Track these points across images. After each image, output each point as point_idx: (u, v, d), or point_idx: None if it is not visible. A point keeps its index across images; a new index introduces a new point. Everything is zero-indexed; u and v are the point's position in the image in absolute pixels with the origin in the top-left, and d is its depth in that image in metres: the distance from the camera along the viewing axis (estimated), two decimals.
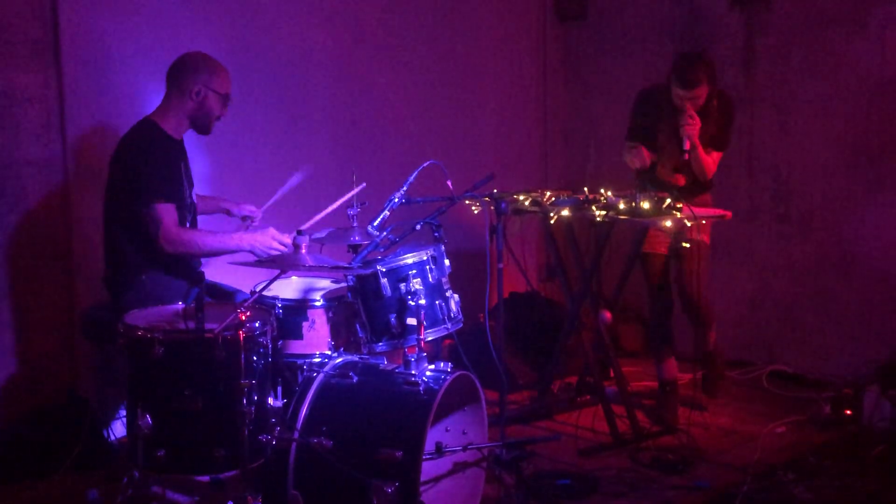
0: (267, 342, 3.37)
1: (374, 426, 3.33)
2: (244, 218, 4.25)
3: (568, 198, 4.52)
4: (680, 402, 4.82)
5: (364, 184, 4.00)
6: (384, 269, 3.59)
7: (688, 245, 4.63)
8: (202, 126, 3.97)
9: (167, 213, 3.75)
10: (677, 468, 4.12)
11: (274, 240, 3.81)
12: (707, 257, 4.87)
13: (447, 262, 3.75)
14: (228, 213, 4.29)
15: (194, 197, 4.07)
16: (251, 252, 3.79)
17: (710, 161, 4.69)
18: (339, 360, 3.58)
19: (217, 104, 3.92)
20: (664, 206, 4.27)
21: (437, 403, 3.29)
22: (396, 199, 3.81)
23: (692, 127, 4.53)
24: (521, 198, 4.58)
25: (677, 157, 4.65)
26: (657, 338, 4.90)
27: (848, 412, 4.62)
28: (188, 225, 3.96)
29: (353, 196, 3.97)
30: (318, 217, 3.99)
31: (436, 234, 3.80)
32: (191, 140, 4.08)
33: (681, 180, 4.76)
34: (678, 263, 4.83)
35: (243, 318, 3.16)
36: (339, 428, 3.32)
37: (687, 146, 4.55)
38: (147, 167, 3.77)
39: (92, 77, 4.34)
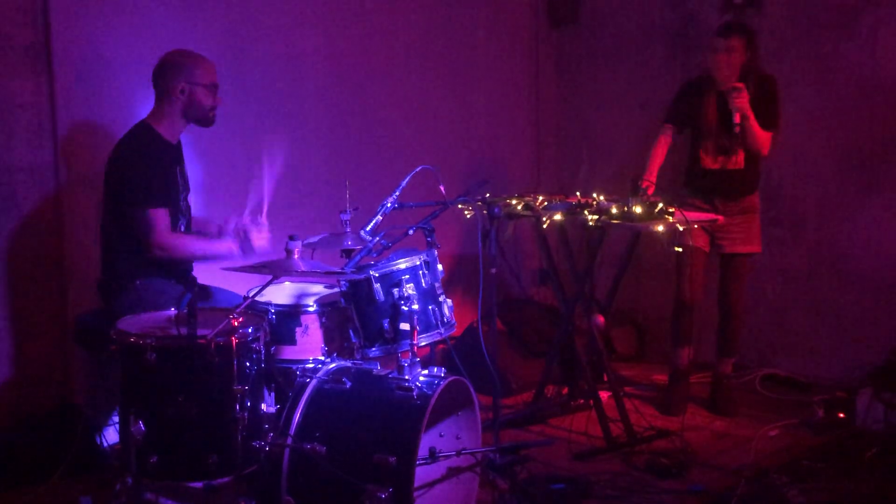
0: (260, 348, 3.36)
1: (367, 432, 3.32)
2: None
3: (560, 202, 4.54)
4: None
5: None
6: (377, 275, 3.58)
7: (680, 249, 4.65)
8: (201, 119, 3.97)
9: (160, 218, 3.76)
10: (671, 472, 4.12)
11: (256, 243, 3.80)
12: (752, 266, 5.00)
13: (440, 266, 3.75)
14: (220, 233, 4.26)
15: (189, 201, 4.06)
16: (241, 255, 3.79)
17: (765, 136, 4.71)
18: (333, 365, 3.57)
19: (206, 96, 3.92)
20: (656, 210, 4.28)
21: (431, 408, 3.29)
22: (389, 204, 3.81)
23: (741, 98, 4.56)
24: (514, 202, 4.59)
25: (724, 137, 4.72)
26: (676, 327, 4.98)
27: (841, 415, 4.64)
28: (182, 229, 3.96)
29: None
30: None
31: (429, 239, 3.80)
32: (184, 145, 4.08)
33: (725, 164, 4.81)
34: (725, 270, 4.93)
35: (236, 323, 3.16)
36: (332, 433, 3.32)
37: (737, 119, 4.58)
38: (141, 171, 3.77)
39: (84, 82, 4.34)
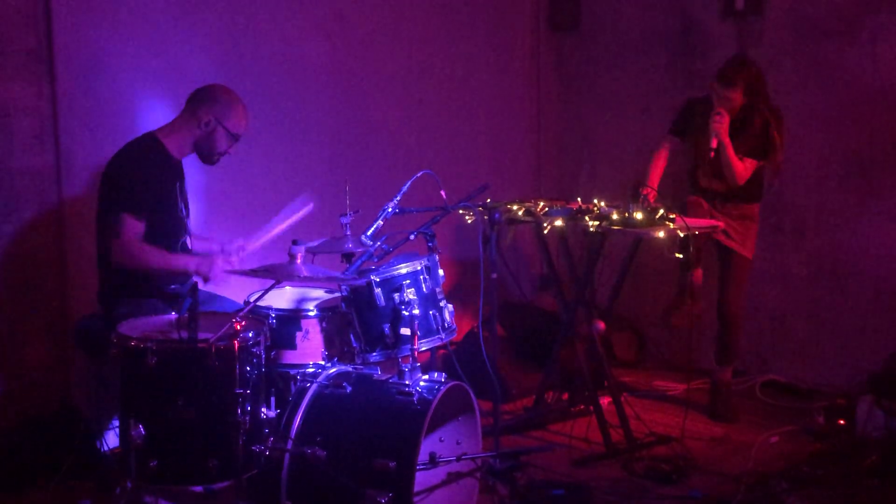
0: (261, 352, 3.36)
1: (367, 436, 3.33)
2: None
3: (561, 208, 4.54)
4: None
5: (311, 205, 3.98)
6: (378, 279, 3.59)
7: (680, 256, 4.65)
8: (205, 156, 3.98)
9: (131, 226, 3.71)
10: (671, 478, 4.12)
11: (217, 267, 3.79)
12: (748, 272, 4.99)
13: (441, 271, 3.75)
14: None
15: (189, 224, 4.04)
16: (196, 273, 3.78)
17: (741, 167, 4.73)
18: (333, 370, 3.57)
19: (224, 140, 3.92)
20: (657, 216, 4.28)
21: (431, 414, 3.29)
22: (390, 209, 3.81)
23: (719, 124, 4.60)
24: (515, 207, 4.59)
25: (718, 163, 4.73)
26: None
27: (841, 422, 4.63)
28: (190, 242, 3.96)
29: (298, 218, 3.97)
30: (265, 237, 3.97)
31: (430, 244, 3.80)
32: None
33: (719, 186, 4.84)
34: (723, 273, 4.95)
35: (237, 327, 3.16)
36: (332, 438, 3.32)
37: (713, 143, 4.62)
38: (128, 177, 3.75)
39: (86, 87, 4.34)
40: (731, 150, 4.66)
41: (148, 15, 4.53)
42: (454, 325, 3.78)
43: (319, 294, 4.06)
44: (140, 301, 3.79)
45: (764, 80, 4.74)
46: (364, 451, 3.26)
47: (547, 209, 4.53)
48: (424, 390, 3.38)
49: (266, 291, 3.45)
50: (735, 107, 4.69)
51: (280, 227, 3.98)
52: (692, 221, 4.40)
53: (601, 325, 4.68)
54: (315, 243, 3.97)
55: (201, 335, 3.16)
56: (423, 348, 3.61)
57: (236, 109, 3.93)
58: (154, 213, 3.80)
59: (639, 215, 4.28)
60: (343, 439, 3.33)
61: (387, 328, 3.59)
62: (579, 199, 4.65)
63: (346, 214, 3.92)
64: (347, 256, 3.94)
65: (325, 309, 3.78)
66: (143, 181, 3.77)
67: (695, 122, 4.85)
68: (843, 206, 5.30)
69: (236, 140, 3.96)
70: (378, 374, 3.56)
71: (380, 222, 3.78)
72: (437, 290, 3.72)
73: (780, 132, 4.76)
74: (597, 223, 4.34)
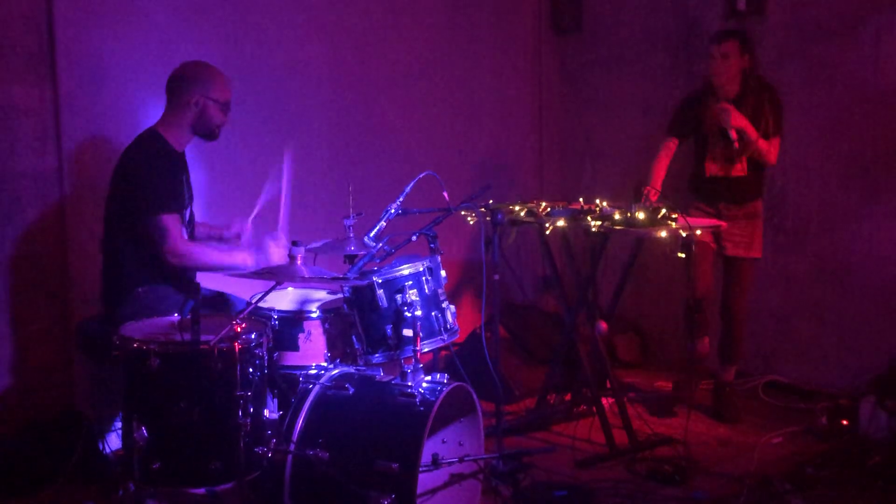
0: (263, 354, 3.36)
1: (370, 438, 3.32)
2: (237, 236, 4.26)
3: (563, 208, 4.54)
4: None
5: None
6: (380, 281, 3.59)
7: (683, 255, 4.64)
8: (207, 134, 3.99)
9: (174, 224, 3.76)
10: (674, 479, 4.11)
11: (273, 252, 3.83)
12: (754, 273, 5.02)
13: (443, 272, 3.75)
14: (221, 238, 4.28)
15: (193, 211, 4.07)
16: (254, 266, 3.81)
17: (767, 146, 4.78)
18: (336, 371, 3.57)
19: (217, 112, 3.94)
20: (659, 216, 4.28)
21: (434, 415, 3.29)
22: (392, 210, 3.81)
23: (726, 114, 4.65)
24: (517, 208, 4.59)
25: (728, 150, 4.79)
26: (692, 321, 5.00)
27: (844, 423, 4.63)
28: (186, 238, 3.96)
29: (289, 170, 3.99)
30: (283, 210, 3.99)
31: (432, 245, 3.80)
32: (189, 152, 4.09)
33: (728, 171, 4.87)
34: (728, 275, 4.98)
35: (239, 329, 3.16)
36: (335, 440, 3.32)
37: (734, 136, 4.66)
38: (154, 178, 3.78)
39: (88, 89, 4.35)
40: (755, 134, 4.70)
41: (150, 17, 4.54)
42: (456, 327, 3.77)
43: (322, 295, 4.06)
44: (153, 287, 3.81)
45: (756, 52, 4.86)
46: (367, 453, 3.25)
47: (549, 210, 4.53)
48: (427, 391, 3.38)
49: (267, 293, 3.45)
50: (732, 70, 4.74)
51: (284, 189, 4.00)
52: (694, 221, 4.40)
53: (604, 325, 4.68)
54: (317, 244, 3.98)
55: (204, 337, 3.16)
56: (426, 349, 3.61)
57: (217, 78, 3.95)
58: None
59: (641, 215, 4.28)
60: (346, 441, 3.33)
61: (389, 329, 3.59)
62: (581, 199, 4.65)
63: (350, 217, 3.92)
64: (350, 258, 3.94)
65: (327, 310, 3.78)
66: (164, 178, 3.81)
67: (695, 113, 4.88)
68: (845, 206, 5.29)
69: (228, 108, 3.98)
70: (380, 375, 3.56)
71: (383, 223, 3.78)
72: (440, 291, 3.72)
73: (778, 105, 4.83)
74: (599, 223, 4.34)
